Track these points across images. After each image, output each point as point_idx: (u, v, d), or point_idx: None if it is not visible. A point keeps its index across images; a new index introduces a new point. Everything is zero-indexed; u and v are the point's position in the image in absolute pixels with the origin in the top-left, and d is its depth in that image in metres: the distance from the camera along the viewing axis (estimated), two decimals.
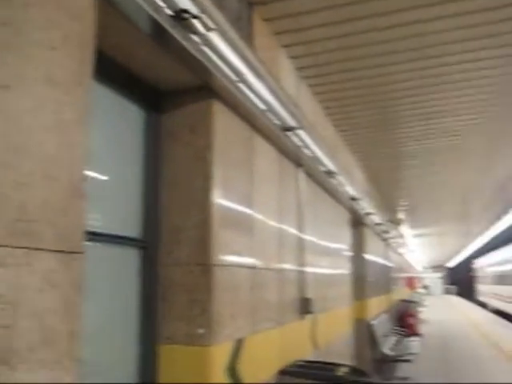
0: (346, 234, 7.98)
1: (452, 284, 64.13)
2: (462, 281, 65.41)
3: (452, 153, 9.12)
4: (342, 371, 4.30)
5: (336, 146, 7.16)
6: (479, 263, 41.88)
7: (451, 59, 5.40)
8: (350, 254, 8.53)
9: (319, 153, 5.47)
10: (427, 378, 10.33)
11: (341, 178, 6.65)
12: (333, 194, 6.92)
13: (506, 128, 7.78)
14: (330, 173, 6.12)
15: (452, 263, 58.64)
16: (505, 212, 15.92)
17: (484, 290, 37.55)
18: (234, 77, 3.39)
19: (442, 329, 20.11)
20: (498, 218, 17.49)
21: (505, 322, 22.66)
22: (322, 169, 5.89)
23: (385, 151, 8.93)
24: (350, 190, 7.46)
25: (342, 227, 7.59)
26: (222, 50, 3.12)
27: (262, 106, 3.92)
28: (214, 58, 3.10)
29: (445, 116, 7.17)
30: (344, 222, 7.81)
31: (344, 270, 7.46)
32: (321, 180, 6.21)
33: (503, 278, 27.83)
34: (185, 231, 3.25)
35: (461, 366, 11.38)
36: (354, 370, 4.47)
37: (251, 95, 3.69)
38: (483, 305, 35.87)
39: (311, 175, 5.86)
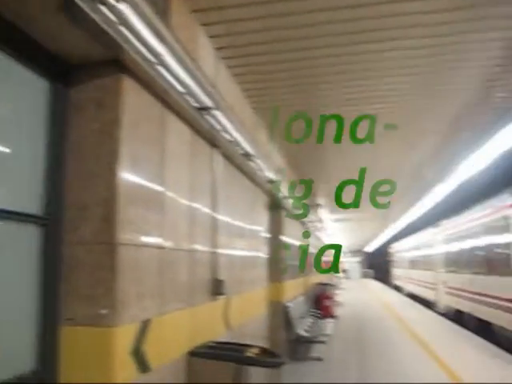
0: (263, 216, 8.02)
1: (370, 268, 66.36)
2: (379, 265, 67.78)
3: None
4: (252, 352, 4.32)
5: (255, 129, 7.16)
6: (394, 248, 42.75)
7: (375, 46, 5.51)
8: (267, 236, 8.60)
9: (236, 135, 5.44)
10: (340, 359, 10.65)
11: (258, 161, 6.67)
12: (250, 176, 6.93)
13: (425, 116, 8.02)
14: (247, 155, 6.11)
15: (370, 248, 60.55)
16: (419, 198, 16.50)
17: (399, 274, 38.60)
18: (146, 53, 3.29)
19: (357, 311, 20.77)
20: (413, 204, 18.10)
21: (417, 305, 23.62)
22: (240, 151, 5.87)
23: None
24: (268, 173, 7.50)
25: (258, 210, 7.62)
26: (134, 24, 3.01)
27: (176, 85, 3.84)
28: (125, 31, 2.99)
29: (370, 102, 7.31)
30: (261, 204, 7.85)
31: (260, 252, 7.51)
32: (238, 162, 6.20)
33: (415, 263, 28.69)
34: (89, 208, 3.15)
35: (373, 347, 11.80)
36: (265, 351, 4.50)
37: (165, 73, 3.60)
38: (398, 289, 36.82)
39: (228, 157, 5.83)
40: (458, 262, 17.64)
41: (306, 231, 17.13)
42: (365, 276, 62.71)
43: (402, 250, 36.21)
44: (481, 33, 5.30)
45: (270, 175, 7.68)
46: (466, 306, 15.77)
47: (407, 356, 10.54)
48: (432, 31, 5.19)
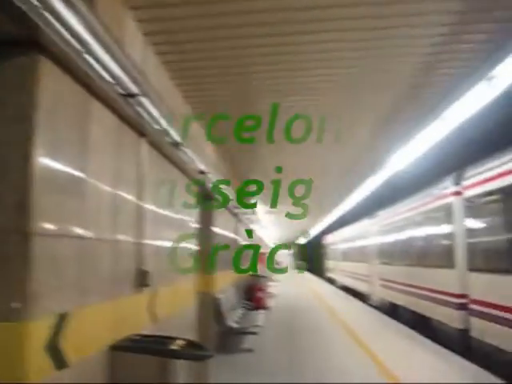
0: (193, 207, 7.90)
1: (302, 260, 67.31)
2: (311, 257, 68.80)
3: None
4: (177, 345, 4.25)
5: (184, 117, 7.04)
6: (328, 240, 42.44)
7: (309, 38, 5.52)
8: (197, 227, 8.51)
9: (164, 123, 5.33)
10: (270, 350, 10.71)
11: (188, 151, 6.57)
12: (180, 166, 6.81)
13: (359, 108, 8.12)
14: (176, 144, 6.00)
15: (303, 240, 61.37)
16: (352, 190, 16.79)
17: (332, 266, 38.41)
18: (67, 36, 3.14)
19: (289, 302, 20.97)
20: (346, 195, 18.40)
21: (349, 297, 24.06)
22: (169, 140, 5.75)
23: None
24: (199, 164, 7.41)
25: (188, 200, 7.50)
26: (54, 5, 2.87)
27: (100, 70, 3.70)
28: (45, 12, 2.84)
29: (303, 93, 7.32)
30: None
31: (190, 243, 7.41)
32: (168, 152, 6.07)
33: (349, 255, 28.69)
34: (1, 195, 2.97)
35: (304, 338, 11.93)
36: (191, 344, 4.44)
37: (88, 57, 3.46)
38: (332, 281, 36.72)
39: (157, 146, 5.70)
40: (393, 254, 17.10)
41: (249, 230, 17.24)
42: (298, 268, 63.49)
43: (336, 242, 35.78)
44: (410, 29, 5.40)
45: (201, 166, 7.60)
46: (401, 300, 15.36)
47: (337, 347, 10.71)
48: (363, 24, 5.25)
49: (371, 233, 21.19)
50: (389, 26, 5.32)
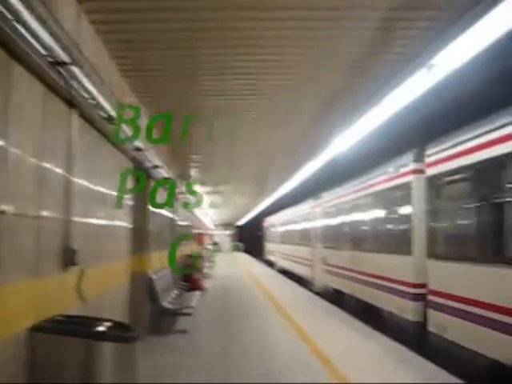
0: (128, 185, 7.63)
1: (240, 241, 67.53)
2: (249, 239, 69.10)
3: (250, 112, 9.22)
4: (103, 326, 4.08)
5: (121, 92, 6.78)
6: (268, 222, 41.14)
7: (250, 24, 5.41)
8: (131, 206, 8.28)
9: (98, 96, 5.08)
10: (205, 330, 10.64)
11: (124, 126, 6.33)
12: (115, 143, 6.55)
13: (298, 94, 8.06)
14: (110, 119, 5.76)
15: (241, 222, 61.53)
16: (293, 173, 16.80)
17: (272, 248, 36.85)
18: None
19: (226, 284, 20.96)
20: (287, 179, 18.39)
21: (287, 280, 24.19)
22: (102, 114, 5.51)
23: (177, 102, 8.72)
24: (136, 141, 7.19)
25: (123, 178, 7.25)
26: None
27: (25, 34, 3.47)
28: None
29: (247, 73, 7.17)
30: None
31: (123, 221, 7.18)
32: (101, 126, 5.82)
33: (290, 238, 27.82)
34: None
35: (239, 319, 11.91)
36: (118, 325, 4.28)
37: (11, 17, 3.22)
38: (271, 264, 35.62)
39: (90, 119, 5.43)
40: (339, 238, 15.64)
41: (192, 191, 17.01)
42: (235, 249, 63.64)
43: (276, 224, 34.56)
44: (350, 14, 5.36)
45: (137, 143, 7.36)
46: (347, 287, 14.08)
47: (271, 328, 10.73)
48: (303, 12, 5.19)
49: (314, 215, 19.76)
50: (329, 9, 5.26)
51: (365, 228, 13.05)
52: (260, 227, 49.97)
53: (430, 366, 7.49)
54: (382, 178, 11.58)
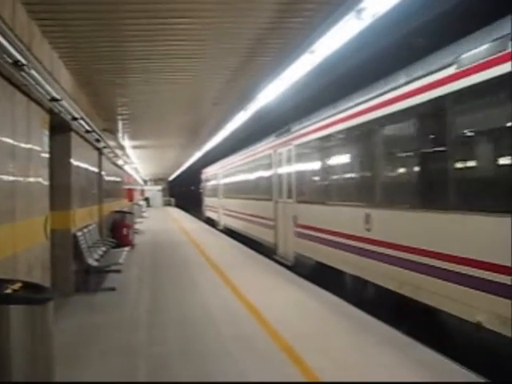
0: (41, 137, 7.11)
1: (171, 196, 66.96)
2: (180, 194, 68.74)
3: (176, 61, 8.81)
4: (12, 288, 3.78)
5: (31, 36, 6.24)
6: (205, 174, 36.88)
7: None
8: (51, 160, 7.81)
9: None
10: (133, 287, 10.46)
11: (35, 74, 5.85)
12: (25, 91, 6.06)
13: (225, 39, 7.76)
14: (18, 65, 5.27)
15: (172, 177, 60.91)
16: (222, 127, 16.48)
17: (211, 204, 32.69)
18: None
19: (157, 239, 20.78)
20: (216, 131, 18.02)
21: (216, 232, 24.24)
22: (7, 58, 5.02)
23: (101, 51, 8.18)
24: (50, 90, 6.68)
25: (35, 129, 6.72)
26: None
27: None
28: None
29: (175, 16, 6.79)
30: (39, 124, 6.93)
31: (39, 177, 6.72)
32: (8, 73, 5.33)
33: (233, 191, 24.71)
34: None
35: (169, 274, 11.79)
36: (29, 286, 3.99)
37: None
38: (211, 222, 31.47)
39: None
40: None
41: None
42: (166, 204, 63.07)
43: (219, 175, 29.26)
44: None
45: (53, 92, 6.86)
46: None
47: (202, 282, 10.65)
48: None
49: (280, 158, 15.06)
50: None
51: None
52: (192, 181, 49.34)
53: (364, 316, 7.62)
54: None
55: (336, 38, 6.74)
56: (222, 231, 24.98)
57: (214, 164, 31.24)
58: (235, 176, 23.73)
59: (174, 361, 5.75)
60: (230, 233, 22.67)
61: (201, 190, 40.86)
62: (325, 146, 11.12)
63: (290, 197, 13.46)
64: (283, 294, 9.34)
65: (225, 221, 25.85)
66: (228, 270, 11.91)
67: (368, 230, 8.55)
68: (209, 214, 33.72)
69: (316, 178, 11.93)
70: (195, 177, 48.65)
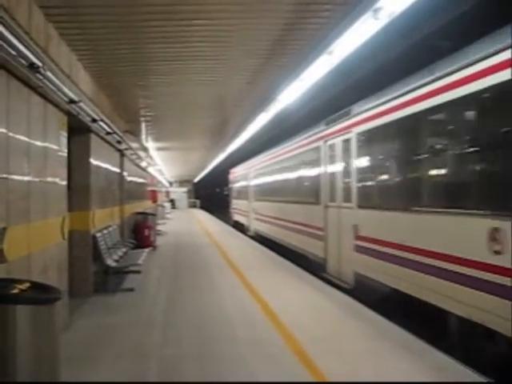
0: (59, 138, 7.13)
1: (196, 198, 67.21)
2: (205, 195, 69.00)
3: (197, 62, 8.83)
4: (19, 288, 3.80)
5: (48, 38, 6.30)
6: (234, 174, 33.06)
7: None
8: (71, 161, 7.88)
9: (15, 40, 4.65)
10: (152, 287, 10.49)
11: (51, 76, 5.90)
12: (41, 93, 6.10)
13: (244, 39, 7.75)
14: (33, 67, 5.32)
15: (197, 178, 61.12)
16: (244, 128, 16.47)
17: (241, 207, 28.99)
18: None
19: (179, 240, 20.82)
20: (238, 133, 18.02)
21: (240, 234, 24.19)
22: (22, 61, 5.07)
23: (121, 53, 8.22)
24: (68, 92, 6.74)
25: (52, 131, 6.74)
26: None
27: None
28: None
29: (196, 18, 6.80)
30: (56, 125, 6.96)
31: (54, 178, 6.74)
32: (23, 75, 5.37)
33: (268, 192, 21.08)
34: None
35: (190, 276, 11.78)
36: (37, 286, 4.00)
37: None
38: (239, 226, 28.49)
39: (7, 68, 4.99)
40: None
41: None
42: (192, 206, 63.29)
43: (250, 175, 25.93)
44: None
45: (71, 94, 6.92)
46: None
47: (221, 283, 10.63)
48: None
49: (336, 150, 11.74)
50: None
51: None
52: (217, 183, 49.19)
53: (381, 320, 7.51)
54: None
55: (353, 39, 6.71)
56: (252, 238, 22.33)
57: (243, 163, 28.34)
58: (269, 176, 20.33)
59: (186, 363, 5.74)
60: (262, 240, 20.13)
61: (227, 192, 38.15)
62: (412, 129, 8.06)
63: (347, 200, 10.58)
64: (299, 295, 9.28)
65: (256, 226, 22.88)
66: (247, 272, 11.89)
67: (497, 252, 5.64)
68: (237, 217, 30.39)
69: (393, 176, 8.85)
70: (220, 179, 48.72)
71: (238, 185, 31.36)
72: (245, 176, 26.99)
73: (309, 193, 13.85)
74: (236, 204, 31.60)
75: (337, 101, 14.74)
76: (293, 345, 6.28)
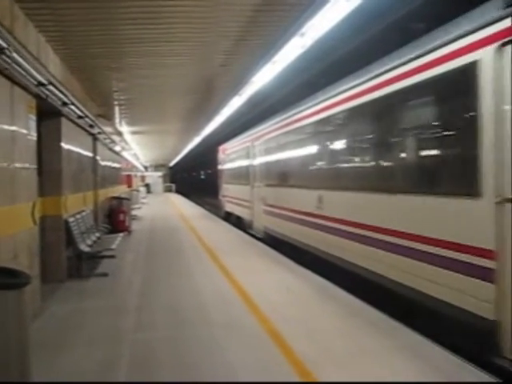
0: (27, 122, 6.96)
1: (172, 182, 66.73)
2: (180, 179, 68.57)
3: (174, 43, 8.72)
4: None
5: (13, 19, 6.14)
6: (226, 151, 24.81)
7: None
8: (41, 146, 7.74)
9: None
10: (126, 272, 10.44)
11: (18, 58, 5.77)
12: (7, 75, 5.97)
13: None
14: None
15: (173, 163, 60.71)
16: (218, 112, 16.38)
17: (234, 194, 21.95)
18: None
19: (154, 225, 20.73)
20: (212, 116, 17.93)
21: (214, 217, 24.12)
22: None
23: (93, 35, 8.05)
24: (36, 74, 6.61)
25: (19, 114, 6.59)
26: None
27: None
28: None
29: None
30: (23, 108, 6.80)
31: (23, 162, 6.60)
32: None
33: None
34: None
35: (165, 260, 11.73)
36: (5, 271, 3.94)
37: None
38: (231, 218, 22.18)
39: None
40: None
41: None
42: (167, 190, 62.79)
43: (254, 150, 19.06)
44: None
45: (39, 77, 6.79)
46: None
47: (196, 268, 10.59)
48: None
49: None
50: None
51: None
52: (193, 167, 48.68)
53: (353, 299, 7.59)
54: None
55: (325, 21, 6.69)
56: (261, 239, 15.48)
57: (242, 135, 20.74)
58: (293, 149, 12.83)
59: (160, 346, 5.73)
60: (276, 243, 13.81)
61: (204, 176, 35.87)
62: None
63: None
64: (274, 277, 9.36)
65: (269, 223, 15.09)
66: (222, 255, 11.88)
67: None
68: (231, 208, 22.37)
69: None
70: (194, 163, 48.27)
71: (231, 165, 23.08)
72: (244, 152, 19.33)
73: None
74: (229, 190, 23.21)
75: (311, 84, 14.72)
76: (267, 326, 6.31)
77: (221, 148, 25.98)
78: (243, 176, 19.40)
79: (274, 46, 8.35)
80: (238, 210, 20.80)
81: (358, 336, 5.91)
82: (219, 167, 26.68)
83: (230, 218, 22.38)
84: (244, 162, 19.47)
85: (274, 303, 7.44)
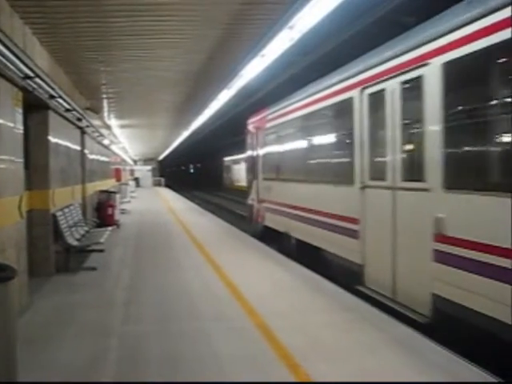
0: (13, 115, 6.87)
1: (161, 176, 66.41)
2: (169, 173, 68.34)
3: (162, 36, 8.66)
4: None
5: None
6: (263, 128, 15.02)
7: None
8: (29, 139, 7.67)
9: None
10: (115, 266, 10.40)
11: (3, 50, 5.72)
12: None
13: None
14: None
15: (161, 157, 60.44)
16: (206, 106, 16.34)
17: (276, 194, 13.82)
18: None
19: (143, 219, 20.65)
20: (201, 110, 17.89)
21: (202, 211, 24.11)
22: None
23: (81, 27, 7.97)
24: (23, 67, 6.54)
25: (5, 107, 6.47)
26: None
27: None
28: None
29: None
30: (9, 101, 6.70)
31: (9, 155, 6.52)
32: None
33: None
34: None
35: (153, 254, 11.71)
36: None
37: None
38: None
39: None
40: None
41: None
42: (156, 184, 62.43)
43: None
44: None
45: (26, 69, 6.72)
46: None
47: (185, 262, 10.57)
48: None
49: None
50: None
51: None
52: (181, 162, 48.34)
53: (342, 293, 7.63)
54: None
55: (314, 14, 6.68)
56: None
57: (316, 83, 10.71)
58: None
59: (147, 340, 5.72)
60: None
61: (193, 171, 34.59)
62: None
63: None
64: (263, 271, 9.37)
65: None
66: (211, 249, 11.86)
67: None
68: (287, 225, 12.12)
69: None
70: (182, 158, 48.03)
71: (290, 145, 12.27)
72: (340, 115, 9.26)
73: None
74: (279, 193, 13.00)
75: (300, 77, 14.70)
76: (256, 320, 6.31)
77: (255, 120, 15.54)
78: (335, 166, 9.63)
79: (262, 39, 8.32)
80: (279, 219, 12.78)
81: (346, 329, 5.94)
82: (249, 153, 16.48)
83: (275, 237, 13.03)
84: (336, 137, 9.59)
85: (263, 296, 7.44)
